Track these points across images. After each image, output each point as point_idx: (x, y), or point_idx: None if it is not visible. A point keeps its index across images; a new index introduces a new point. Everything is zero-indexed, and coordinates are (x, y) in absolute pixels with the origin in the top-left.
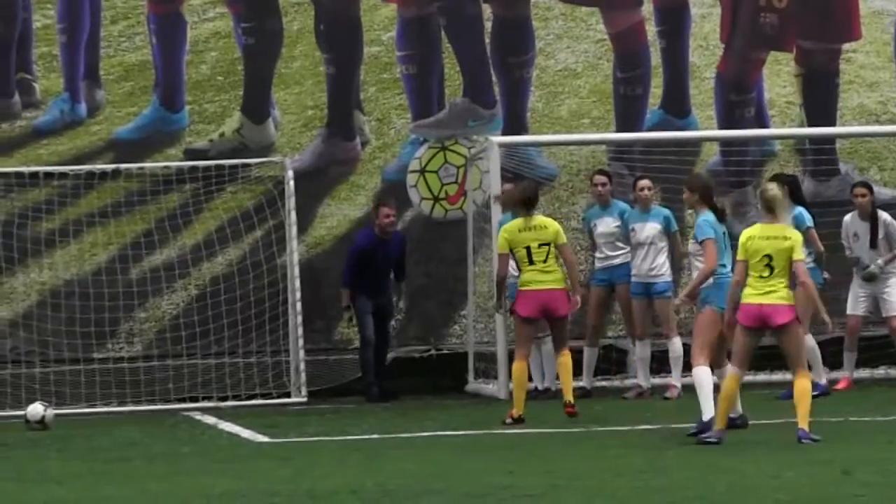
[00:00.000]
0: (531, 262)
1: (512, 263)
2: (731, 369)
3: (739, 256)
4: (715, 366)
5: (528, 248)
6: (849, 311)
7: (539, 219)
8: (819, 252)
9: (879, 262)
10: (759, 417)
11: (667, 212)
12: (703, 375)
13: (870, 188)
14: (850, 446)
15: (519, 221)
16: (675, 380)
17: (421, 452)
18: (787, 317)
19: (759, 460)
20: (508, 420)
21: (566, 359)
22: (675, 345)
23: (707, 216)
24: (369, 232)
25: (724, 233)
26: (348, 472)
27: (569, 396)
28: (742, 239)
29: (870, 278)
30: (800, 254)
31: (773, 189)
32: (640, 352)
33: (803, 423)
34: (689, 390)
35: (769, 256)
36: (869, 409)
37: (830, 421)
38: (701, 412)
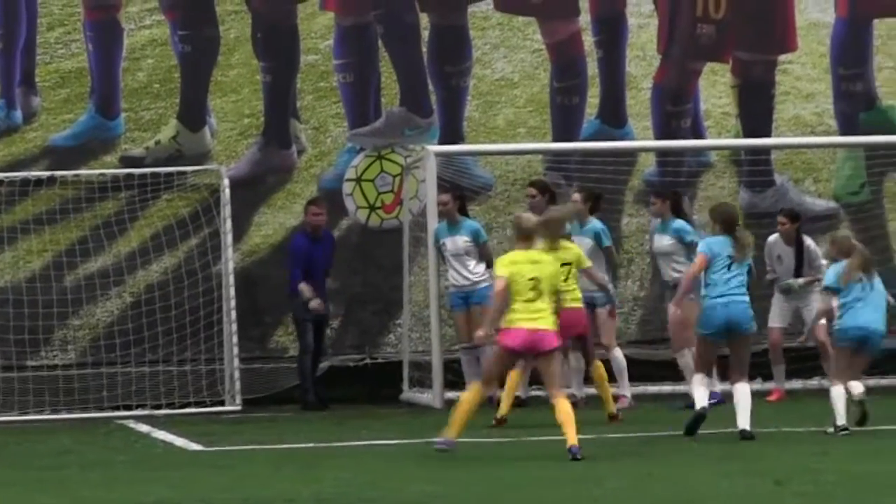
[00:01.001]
0: None
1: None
2: (476, 385)
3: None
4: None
5: None
6: (770, 324)
7: (564, 242)
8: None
9: (800, 281)
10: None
11: (599, 226)
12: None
13: (792, 217)
14: (783, 457)
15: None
16: (625, 389)
17: (356, 461)
18: (555, 342)
19: (693, 470)
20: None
21: (600, 370)
22: (617, 356)
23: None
24: (303, 233)
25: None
26: (283, 481)
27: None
28: (505, 261)
29: (786, 290)
30: (588, 262)
31: (531, 218)
32: (574, 362)
33: (573, 439)
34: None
35: (536, 279)
36: (802, 420)
37: (763, 431)
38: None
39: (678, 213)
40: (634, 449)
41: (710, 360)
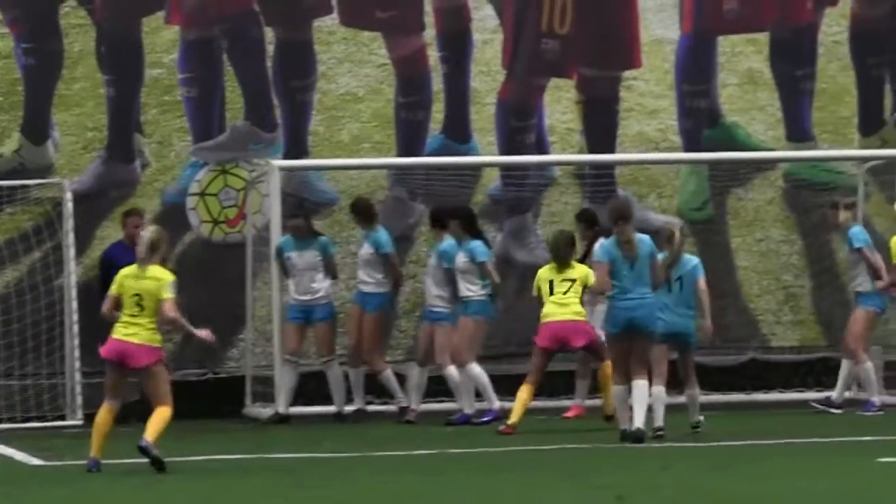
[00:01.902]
0: (551, 293)
1: None
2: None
3: (113, 291)
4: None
5: (550, 282)
6: None
7: (572, 263)
8: (494, 284)
9: None
10: (539, 442)
11: (476, 243)
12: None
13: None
14: (624, 472)
15: (552, 265)
16: (464, 405)
17: (197, 476)
18: (148, 359)
19: (535, 486)
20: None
21: (606, 370)
22: (451, 372)
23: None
24: (119, 244)
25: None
26: (123, 496)
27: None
28: (118, 277)
29: None
30: (168, 293)
31: (152, 232)
32: (417, 377)
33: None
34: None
35: (139, 296)
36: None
37: (605, 446)
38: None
39: (473, 232)
40: (482, 463)
41: (625, 362)
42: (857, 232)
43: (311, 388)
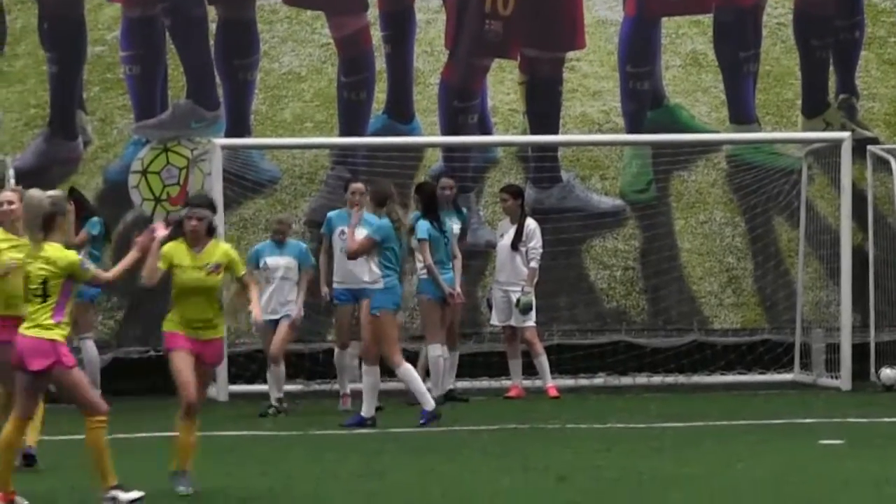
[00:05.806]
0: None
1: None
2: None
3: None
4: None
5: None
6: (503, 322)
7: None
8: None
9: (527, 289)
10: (479, 422)
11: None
12: (408, 373)
13: (514, 193)
14: (566, 453)
15: None
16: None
17: (139, 454)
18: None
19: (475, 466)
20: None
21: None
22: None
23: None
24: None
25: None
26: (68, 474)
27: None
28: None
29: (527, 309)
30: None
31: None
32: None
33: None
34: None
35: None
36: (586, 417)
37: (546, 427)
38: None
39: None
40: (421, 444)
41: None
42: None
43: (253, 368)
